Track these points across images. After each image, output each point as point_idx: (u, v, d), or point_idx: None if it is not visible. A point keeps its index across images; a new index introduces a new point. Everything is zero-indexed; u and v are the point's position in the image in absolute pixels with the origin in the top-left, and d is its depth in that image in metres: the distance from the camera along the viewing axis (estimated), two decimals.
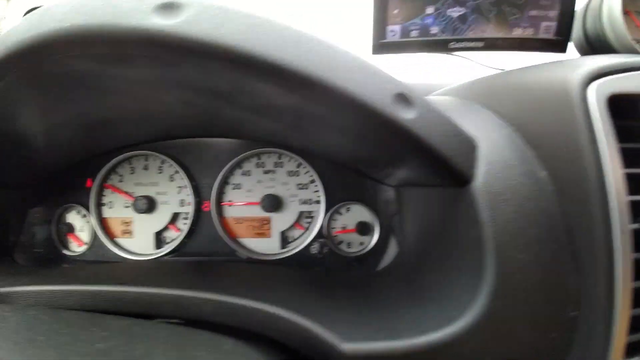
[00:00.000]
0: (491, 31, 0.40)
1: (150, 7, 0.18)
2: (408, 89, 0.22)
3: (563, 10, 0.38)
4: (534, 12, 0.39)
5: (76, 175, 0.46)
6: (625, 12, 0.35)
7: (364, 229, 0.43)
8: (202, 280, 0.32)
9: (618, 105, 0.22)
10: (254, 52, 0.18)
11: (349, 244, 0.44)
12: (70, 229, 0.46)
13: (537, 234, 0.23)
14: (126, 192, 0.45)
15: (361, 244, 0.44)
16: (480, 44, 0.41)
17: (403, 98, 0.21)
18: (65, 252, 0.46)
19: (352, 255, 0.43)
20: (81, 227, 0.46)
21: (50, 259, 0.45)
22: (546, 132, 0.25)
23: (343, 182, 0.43)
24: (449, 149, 0.23)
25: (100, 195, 0.45)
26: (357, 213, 0.44)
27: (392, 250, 0.40)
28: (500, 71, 0.43)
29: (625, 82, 0.23)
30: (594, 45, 0.38)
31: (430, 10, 0.41)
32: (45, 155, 0.41)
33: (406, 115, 0.21)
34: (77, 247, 0.46)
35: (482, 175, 0.24)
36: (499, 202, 0.23)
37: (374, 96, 0.20)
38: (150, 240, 0.45)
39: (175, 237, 0.45)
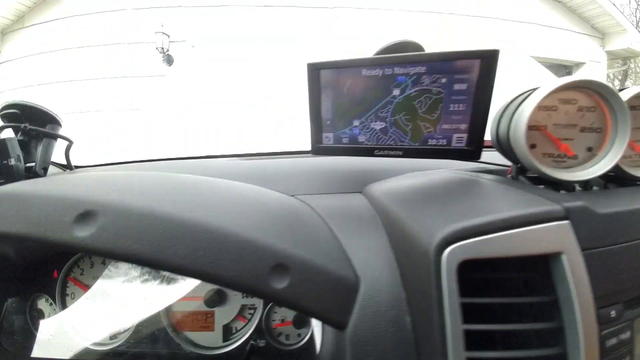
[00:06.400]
0: (408, 142, 0.45)
1: (72, 220, 0.24)
2: (289, 254, 0.26)
3: (473, 124, 0.42)
4: (446, 126, 0.43)
5: (47, 267, 0.51)
6: (539, 128, 0.38)
7: (300, 321, 0.46)
8: None
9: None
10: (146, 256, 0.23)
11: (287, 336, 0.47)
12: (41, 315, 0.50)
13: None
14: (86, 285, 0.50)
15: (298, 335, 0.46)
16: (400, 152, 0.45)
17: (280, 267, 0.25)
18: (41, 337, 0.50)
19: (288, 348, 0.46)
20: (49, 315, 0.50)
21: (27, 346, 0.49)
22: (415, 279, 0.28)
23: None
24: (323, 308, 0.26)
25: (64, 286, 0.50)
26: None
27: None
28: None
29: (477, 247, 0.25)
30: (505, 150, 0.41)
31: (356, 123, 0.46)
32: (19, 251, 0.47)
33: (279, 285, 0.25)
34: (47, 332, 0.50)
35: (353, 323, 0.27)
36: (362, 352, 0.26)
37: (245, 274, 0.24)
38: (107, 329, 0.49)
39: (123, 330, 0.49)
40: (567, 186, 0.37)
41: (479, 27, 4.06)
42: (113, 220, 0.25)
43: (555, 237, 0.25)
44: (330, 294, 0.26)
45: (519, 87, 0.41)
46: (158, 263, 0.24)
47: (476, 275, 0.26)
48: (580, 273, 0.25)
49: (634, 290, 0.28)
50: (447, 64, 0.40)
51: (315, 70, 0.45)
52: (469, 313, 0.24)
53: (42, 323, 0.50)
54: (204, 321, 0.47)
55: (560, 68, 4.67)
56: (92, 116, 3.81)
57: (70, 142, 0.74)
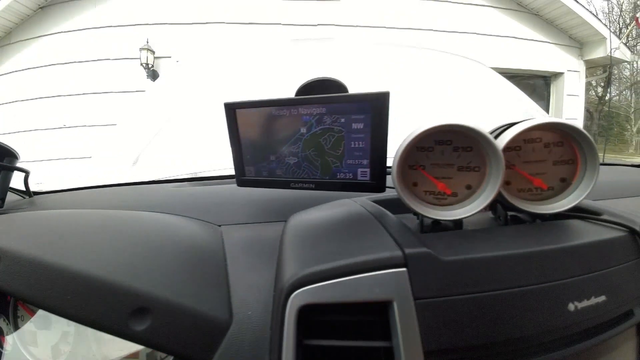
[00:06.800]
0: (320, 175, 0.48)
1: None
2: (152, 297, 0.28)
3: (373, 159, 0.45)
4: (350, 161, 0.46)
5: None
6: (417, 167, 0.41)
7: None
8: None
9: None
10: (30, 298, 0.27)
11: None
12: (1, 333, 0.52)
13: None
14: (32, 311, 0.52)
15: None
16: (312, 185, 0.48)
17: (142, 310, 0.28)
18: (4, 352, 0.52)
19: None
20: (7, 333, 0.53)
21: None
22: (277, 319, 0.30)
23: None
24: (184, 348, 0.28)
25: (15, 309, 0.52)
26: None
27: None
28: None
29: (317, 292, 0.27)
30: None
31: (273, 157, 0.49)
32: None
33: (139, 327, 0.27)
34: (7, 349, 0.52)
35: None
36: None
37: (105, 317, 0.27)
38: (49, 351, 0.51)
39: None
40: (456, 223, 0.39)
41: (456, 42, 4.18)
42: (8, 264, 0.29)
43: (389, 284, 0.26)
44: (195, 334, 0.28)
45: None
46: (38, 304, 0.27)
47: (334, 317, 0.28)
48: (409, 323, 0.24)
49: (488, 348, 0.25)
50: (343, 105, 0.43)
51: (231, 110, 0.48)
52: (331, 354, 0.26)
53: (5, 340, 0.52)
54: (130, 348, 0.49)
55: (539, 79, 4.81)
56: (78, 131, 3.83)
57: (27, 173, 0.77)
